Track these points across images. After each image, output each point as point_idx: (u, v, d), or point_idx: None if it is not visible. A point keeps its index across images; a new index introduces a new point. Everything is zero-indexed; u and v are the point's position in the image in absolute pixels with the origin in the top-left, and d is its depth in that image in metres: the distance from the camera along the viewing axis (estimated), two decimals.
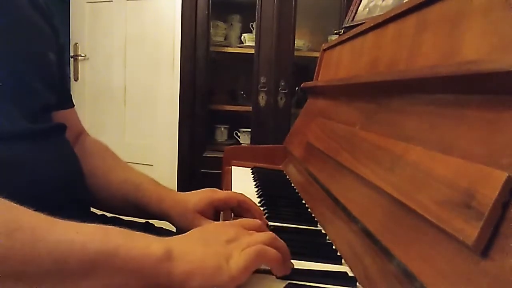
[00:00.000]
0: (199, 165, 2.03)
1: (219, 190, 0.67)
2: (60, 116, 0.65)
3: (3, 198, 0.35)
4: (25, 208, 0.35)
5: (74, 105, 0.73)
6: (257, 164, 1.11)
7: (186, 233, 0.46)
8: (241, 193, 0.66)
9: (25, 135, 0.51)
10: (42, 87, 0.58)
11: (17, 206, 0.35)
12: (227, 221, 0.58)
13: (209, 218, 0.63)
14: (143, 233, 0.40)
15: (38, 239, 0.33)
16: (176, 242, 0.41)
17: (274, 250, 0.43)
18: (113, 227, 0.39)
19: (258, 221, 0.51)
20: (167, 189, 0.68)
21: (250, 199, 0.66)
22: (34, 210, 0.36)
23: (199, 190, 0.67)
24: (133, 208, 0.67)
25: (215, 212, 0.66)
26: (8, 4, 0.55)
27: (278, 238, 0.47)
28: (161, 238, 0.41)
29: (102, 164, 0.70)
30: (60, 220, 0.36)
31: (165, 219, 0.66)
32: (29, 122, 0.53)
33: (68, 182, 0.58)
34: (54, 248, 0.33)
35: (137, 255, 0.37)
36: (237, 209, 0.66)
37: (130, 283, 0.36)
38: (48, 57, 0.61)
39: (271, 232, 0.47)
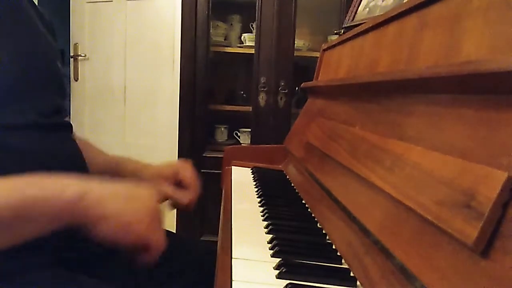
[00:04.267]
0: (199, 165, 2.03)
1: (188, 167, 0.75)
2: None
3: None
4: None
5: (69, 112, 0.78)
6: (257, 164, 1.11)
7: (119, 184, 0.52)
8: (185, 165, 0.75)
9: (34, 127, 0.55)
10: (53, 90, 0.63)
11: None
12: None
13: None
14: (61, 176, 0.46)
15: None
16: (96, 187, 0.47)
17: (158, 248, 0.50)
18: (32, 177, 0.45)
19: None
20: (145, 164, 0.76)
21: (195, 183, 0.73)
22: None
23: (173, 161, 0.78)
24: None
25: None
26: (22, 16, 0.59)
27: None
28: (81, 181, 0.47)
29: (86, 155, 0.73)
30: None
31: None
32: (39, 117, 0.56)
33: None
34: None
35: (53, 203, 0.43)
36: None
37: (51, 224, 0.44)
38: (57, 66, 0.66)
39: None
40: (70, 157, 0.61)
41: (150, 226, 0.49)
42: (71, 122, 0.68)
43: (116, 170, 0.75)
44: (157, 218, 0.51)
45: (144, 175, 0.73)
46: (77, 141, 0.77)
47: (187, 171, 0.74)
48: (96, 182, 0.48)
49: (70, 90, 2.32)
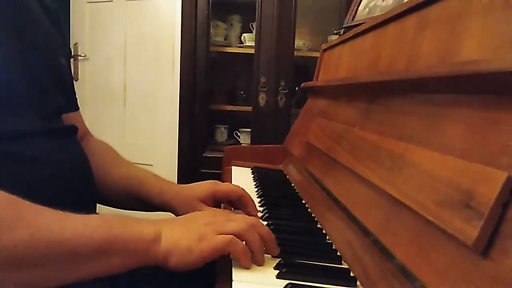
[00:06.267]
0: (199, 165, 2.03)
1: (220, 182, 0.70)
2: (67, 118, 0.66)
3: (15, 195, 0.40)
4: (38, 207, 0.41)
5: (79, 108, 0.75)
6: (257, 164, 1.11)
7: (176, 217, 0.52)
8: (241, 188, 0.69)
9: (41, 133, 0.54)
10: (55, 90, 0.61)
11: (30, 204, 0.41)
12: (217, 209, 0.61)
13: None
14: (137, 219, 0.48)
15: (55, 238, 0.40)
16: (164, 225, 0.47)
17: (243, 244, 0.47)
18: (113, 216, 0.46)
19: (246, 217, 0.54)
20: (168, 182, 0.70)
21: (248, 194, 0.68)
22: (44, 206, 0.41)
23: (200, 182, 0.70)
24: (136, 202, 0.69)
25: (216, 204, 0.69)
26: (24, 12, 0.57)
27: (260, 226, 0.50)
28: (152, 221, 0.47)
29: (105, 162, 0.72)
30: (69, 216, 0.43)
31: (168, 210, 0.68)
32: (45, 122, 0.55)
33: (78, 181, 0.59)
34: (67, 243, 0.41)
35: (133, 240, 0.44)
36: (236, 202, 0.68)
37: (128, 262, 0.44)
38: (60, 62, 0.64)
39: (253, 221, 0.50)
40: (77, 162, 0.60)
41: (212, 236, 0.46)
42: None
43: (138, 192, 0.68)
44: (217, 222, 0.49)
45: (172, 200, 0.66)
46: (97, 146, 0.75)
47: (238, 190, 0.68)
48: (163, 221, 0.48)
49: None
